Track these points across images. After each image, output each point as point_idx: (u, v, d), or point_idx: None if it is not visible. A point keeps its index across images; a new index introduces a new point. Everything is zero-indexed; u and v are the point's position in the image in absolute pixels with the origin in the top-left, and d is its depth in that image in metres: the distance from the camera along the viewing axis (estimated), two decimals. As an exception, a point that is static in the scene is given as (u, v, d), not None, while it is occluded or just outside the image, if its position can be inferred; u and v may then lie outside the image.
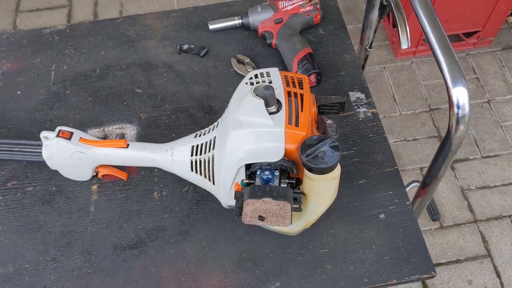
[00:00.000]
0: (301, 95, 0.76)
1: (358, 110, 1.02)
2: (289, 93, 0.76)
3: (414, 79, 2.09)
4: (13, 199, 0.94)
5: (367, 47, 1.17)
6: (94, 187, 0.95)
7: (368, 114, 1.02)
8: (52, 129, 0.96)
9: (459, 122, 0.74)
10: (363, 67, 1.24)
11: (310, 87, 1.05)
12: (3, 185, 0.95)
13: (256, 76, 0.79)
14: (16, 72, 1.11)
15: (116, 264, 0.87)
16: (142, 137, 1.01)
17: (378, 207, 0.91)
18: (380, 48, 2.18)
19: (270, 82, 0.77)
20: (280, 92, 0.75)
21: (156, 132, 1.02)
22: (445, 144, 0.79)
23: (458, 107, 0.73)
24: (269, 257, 0.87)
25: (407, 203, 0.91)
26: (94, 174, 0.94)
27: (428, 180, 0.89)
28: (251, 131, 0.73)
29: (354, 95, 1.04)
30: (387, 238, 0.88)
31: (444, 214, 1.76)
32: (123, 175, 0.95)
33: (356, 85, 1.06)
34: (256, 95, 0.73)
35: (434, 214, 1.67)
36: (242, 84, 0.79)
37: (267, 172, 0.72)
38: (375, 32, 1.11)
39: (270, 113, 0.73)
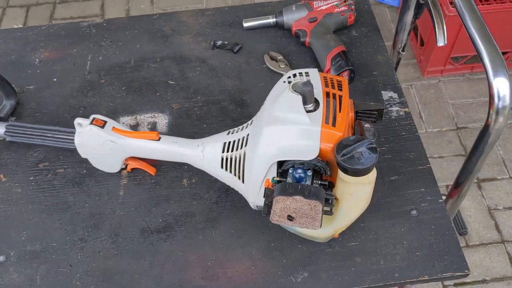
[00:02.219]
0: (340, 97, 0.74)
1: (390, 108, 1.02)
2: (327, 94, 0.74)
3: (441, 97, 2.08)
4: (44, 180, 0.95)
5: (400, 50, 1.17)
6: (124, 171, 0.95)
7: (401, 113, 1.01)
8: (85, 115, 0.97)
9: (499, 113, 0.73)
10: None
11: (343, 85, 1.05)
12: (35, 166, 0.96)
13: (294, 75, 0.78)
14: (53, 61, 1.13)
15: (142, 247, 0.86)
16: (174, 127, 1.01)
17: (410, 203, 0.89)
18: (407, 66, 2.18)
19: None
20: (318, 92, 0.74)
21: (187, 122, 1.02)
22: (483, 137, 0.78)
23: (499, 98, 0.72)
24: (298, 248, 0.85)
25: (439, 200, 0.89)
26: (123, 166, 0.94)
27: (462, 178, 0.87)
28: (286, 128, 0.72)
29: (386, 94, 1.04)
30: (419, 234, 0.86)
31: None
32: (151, 170, 0.94)
33: (389, 85, 1.05)
34: (295, 91, 0.73)
35: (461, 228, 1.63)
36: (279, 83, 0.78)
37: (299, 171, 0.70)
38: (408, 34, 1.11)
39: (307, 111, 0.72)
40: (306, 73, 0.78)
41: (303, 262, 0.84)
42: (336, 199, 0.75)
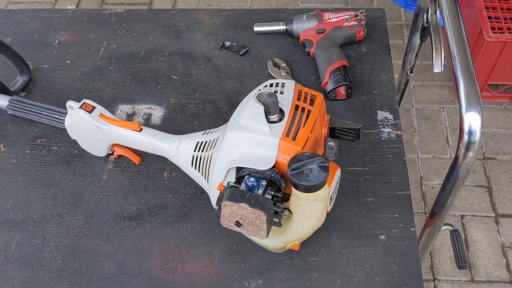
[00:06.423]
0: (309, 111, 0.74)
1: (382, 129, 1.00)
2: (296, 107, 0.74)
3: (473, 124, 2.00)
4: (38, 155, 1.00)
5: (408, 72, 1.14)
6: (112, 157, 0.99)
7: (392, 135, 0.99)
8: (89, 98, 1.01)
9: (469, 148, 0.71)
10: (403, 93, 1.21)
11: (339, 100, 1.04)
12: (33, 140, 1.02)
13: (271, 85, 0.79)
14: (70, 44, 1.19)
15: (113, 231, 0.90)
16: (167, 120, 1.04)
17: (380, 227, 0.88)
18: (442, 88, 2.12)
19: (282, 93, 0.76)
20: (287, 104, 0.74)
21: (181, 117, 1.05)
22: (452, 171, 0.75)
23: (470, 133, 0.70)
24: (258, 254, 0.86)
25: (411, 229, 0.87)
26: (110, 152, 0.98)
27: (436, 209, 0.85)
28: (247, 136, 0.72)
29: (382, 114, 1.02)
30: (382, 260, 0.84)
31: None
32: (136, 159, 0.97)
33: (387, 105, 1.04)
34: (259, 101, 0.74)
35: (461, 261, 1.57)
36: (255, 90, 0.78)
37: (252, 179, 0.70)
38: (416, 56, 1.09)
39: (271, 122, 0.72)
40: (283, 84, 0.78)
41: (260, 269, 0.84)
42: (290, 212, 0.75)
